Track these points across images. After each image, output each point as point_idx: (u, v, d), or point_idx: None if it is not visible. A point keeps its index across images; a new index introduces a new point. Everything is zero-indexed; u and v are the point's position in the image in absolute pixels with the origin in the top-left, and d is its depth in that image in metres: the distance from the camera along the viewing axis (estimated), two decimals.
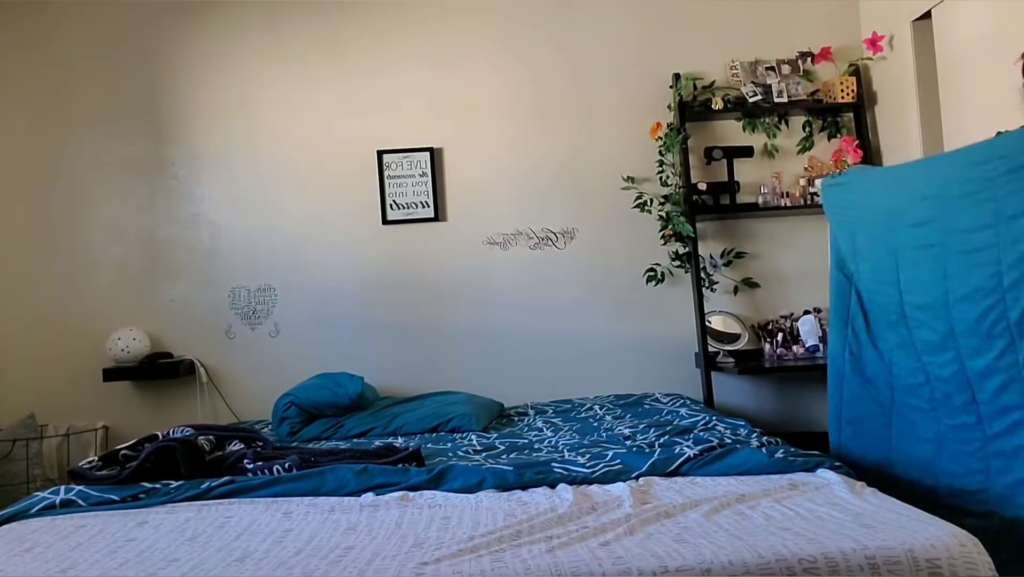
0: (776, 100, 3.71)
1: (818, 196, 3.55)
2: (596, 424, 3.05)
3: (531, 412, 3.44)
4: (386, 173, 3.80)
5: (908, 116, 3.45)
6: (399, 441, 2.93)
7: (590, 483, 2.14)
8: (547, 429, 3.04)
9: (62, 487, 2.17)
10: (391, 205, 3.80)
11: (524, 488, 2.11)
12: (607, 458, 2.31)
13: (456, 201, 3.83)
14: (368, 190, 3.80)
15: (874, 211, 2.41)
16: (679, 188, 3.71)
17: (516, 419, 3.34)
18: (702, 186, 3.71)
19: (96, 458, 2.34)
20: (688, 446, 2.33)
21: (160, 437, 2.42)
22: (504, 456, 2.60)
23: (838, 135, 3.80)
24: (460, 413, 3.16)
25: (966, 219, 2.03)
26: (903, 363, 2.36)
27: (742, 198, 3.77)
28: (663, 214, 3.74)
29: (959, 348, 2.11)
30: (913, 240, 2.23)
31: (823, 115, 3.82)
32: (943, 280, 2.12)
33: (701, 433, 2.64)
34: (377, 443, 2.83)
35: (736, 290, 3.84)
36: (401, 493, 2.09)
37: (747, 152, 3.79)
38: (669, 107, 3.81)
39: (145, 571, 1.62)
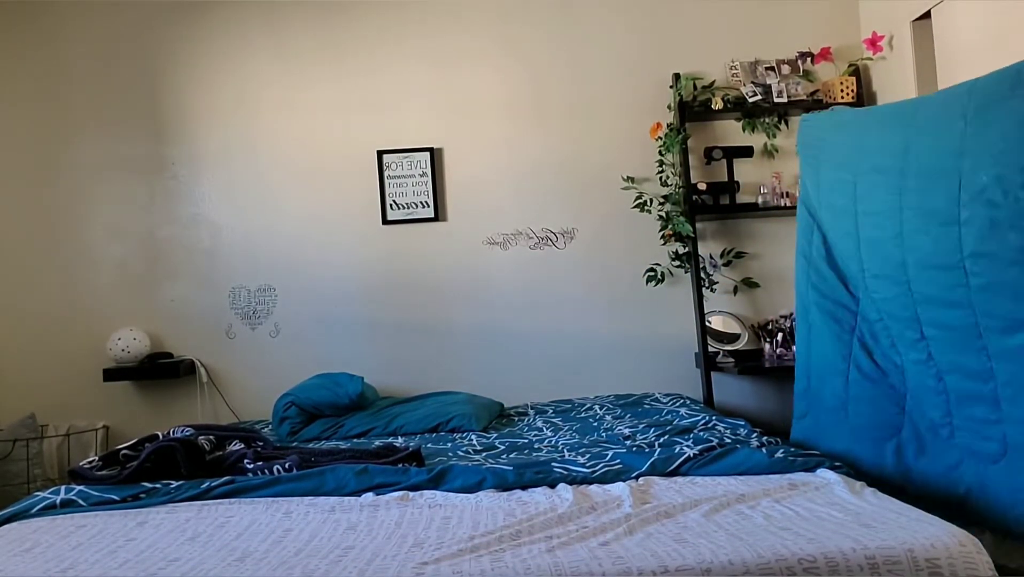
0: (776, 100, 3.72)
1: None
2: (596, 424, 3.05)
3: (531, 412, 3.44)
4: (386, 173, 3.80)
5: None
6: (399, 441, 2.93)
7: (590, 483, 2.14)
8: (547, 429, 3.04)
9: (62, 487, 2.17)
10: (391, 205, 3.80)
11: (524, 488, 2.11)
12: (607, 458, 2.31)
13: (456, 201, 3.84)
14: (368, 190, 3.80)
15: (840, 143, 2.46)
16: (679, 188, 3.72)
17: (516, 419, 3.34)
18: (702, 186, 3.71)
19: (96, 458, 2.34)
20: (688, 446, 2.34)
21: (160, 437, 2.42)
22: (504, 456, 2.60)
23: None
24: (460, 413, 3.16)
25: (929, 152, 2.05)
26: (868, 296, 2.40)
27: (742, 198, 3.77)
28: (663, 214, 3.74)
29: (908, 281, 2.15)
30: (872, 169, 2.28)
31: None
32: (898, 211, 2.15)
33: (701, 433, 2.64)
34: (377, 443, 2.83)
35: (736, 290, 3.84)
36: (401, 493, 2.09)
37: (747, 152, 3.79)
38: (669, 107, 3.82)
39: (145, 571, 1.62)
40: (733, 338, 3.80)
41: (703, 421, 2.82)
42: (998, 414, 1.96)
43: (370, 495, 2.09)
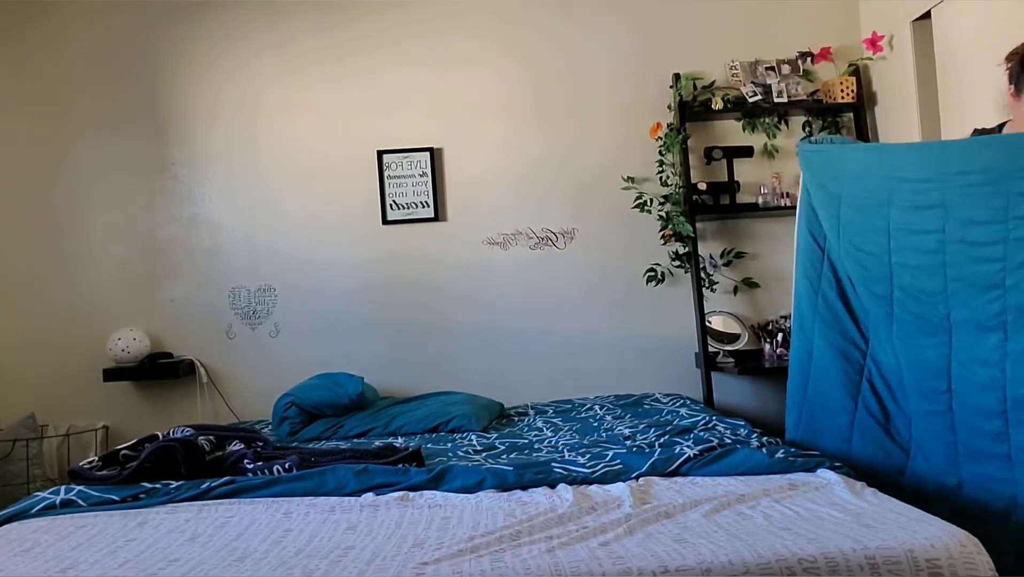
0: (776, 100, 3.72)
1: None
2: (596, 424, 3.05)
3: (531, 412, 3.44)
4: (386, 173, 3.80)
5: (908, 116, 3.45)
6: (399, 441, 2.93)
7: (590, 483, 2.14)
8: (547, 429, 3.04)
9: (62, 487, 2.17)
10: (391, 205, 3.80)
11: (524, 488, 2.11)
12: (607, 458, 2.31)
13: (456, 201, 3.84)
14: (368, 190, 3.80)
15: (865, 186, 2.36)
16: (679, 188, 3.72)
17: (516, 419, 3.34)
18: (702, 186, 3.71)
19: (96, 458, 2.34)
20: (688, 446, 2.33)
21: (160, 437, 2.42)
22: (504, 456, 2.60)
23: (838, 135, 3.80)
24: (460, 413, 3.16)
25: (970, 210, 2.02)
26: (880, 339, 2.35)
27: (742, 198, 3.77)
28: (663, 214, 3.74)
29: (951, 334, 2.12)
30: (909, 223, 2.21)
31: (823, 115, 3.82)
32: (942, 267, 2.12)
33: (701, 433, 2.64)
34: (377, 443, 2.83)
35: (736, 290, 3.84)
36: (401, 493, 2.09)
37: (747, 152, 3.79)
38: (669, 107, 3.82)
39: (145, 571, 1.62)
40: (733, 338, 3.80)
41: (703, 421, 2.81)
42: (1011, 474, 2.00)
43: (370, 495, 2.09)
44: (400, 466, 2.30)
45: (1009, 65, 2.20)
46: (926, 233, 2.14)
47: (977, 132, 2.41)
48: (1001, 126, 2.34)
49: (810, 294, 2.59)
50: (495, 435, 2.99)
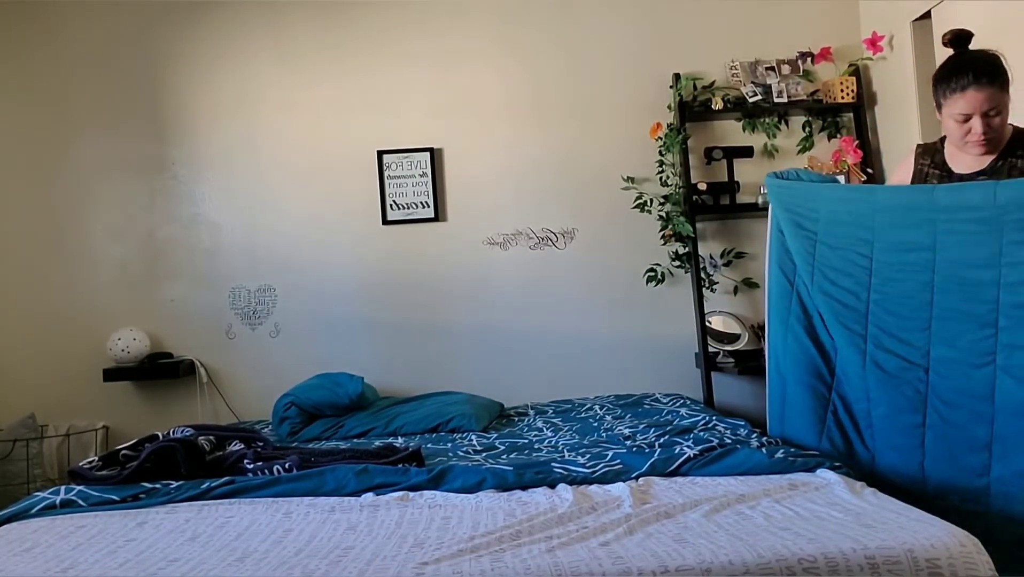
0: (776, 100, 3.72)
1: None
2: (596, 424, 3.05)
3: (531, 412, 3.44)
4: (386, 173, 3.80)
5: (908, 116, 3.45)
6: (399, 441, 2.93)
7: (590, 483, 2.14)
8: (547, 429, 3.04)
9: (62, 487, 2.17)
10: (391, 205, 3.80)
11: (524, 488, 2.11)
12: (607, 458, 2.31)
13: (456, 201, 3.84)
14: (368, 190, 3.80)
15: (846, 224, 2.37)
16: (679, 188, 3.72)
17: (516, 419, 3.34)
18: (702, 186, 3.71)
19: (96, 458, 2.34)
20: (688, 446, 2.33)
21: (160, 437, 2.42)
22: (504, 456, 2.60)
23: (838, 135, 3.80)
24: (460, 413, 3.16)
25: (964, 253, 2.11)
26: (849, 375, 2.36)
27: (742, 198, 3.77)
28: (663, 214, 3.74)
29: (928, 369, 2.18)
30: (893, 261, 2.25)
31: (823, 115, 3.82)
32: (928, 306, 2.18)
33: (701, 433, 2.63)
34: (377, 443, 2.83)
35: (736, 290, 3.84)
36: (401, 493, 2.09)
37: (747, 152, 3.79)
38: (669, 107, 3.82)
39: (145, 571, 1.62)
40: (733, 338, 3.80)
41: (703, 421, 2.81)
42: (985, 507, 2.07)
43: (370, 495, 2.09)
44: (400, 466, 2.30)
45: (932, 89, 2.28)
46: (914, 272, 2.20)
47: (920, 147, 2.45)
48: (942, 139, 2.39)
49: (780, 329, 2.56)
50: (495, 435, 2.99)
